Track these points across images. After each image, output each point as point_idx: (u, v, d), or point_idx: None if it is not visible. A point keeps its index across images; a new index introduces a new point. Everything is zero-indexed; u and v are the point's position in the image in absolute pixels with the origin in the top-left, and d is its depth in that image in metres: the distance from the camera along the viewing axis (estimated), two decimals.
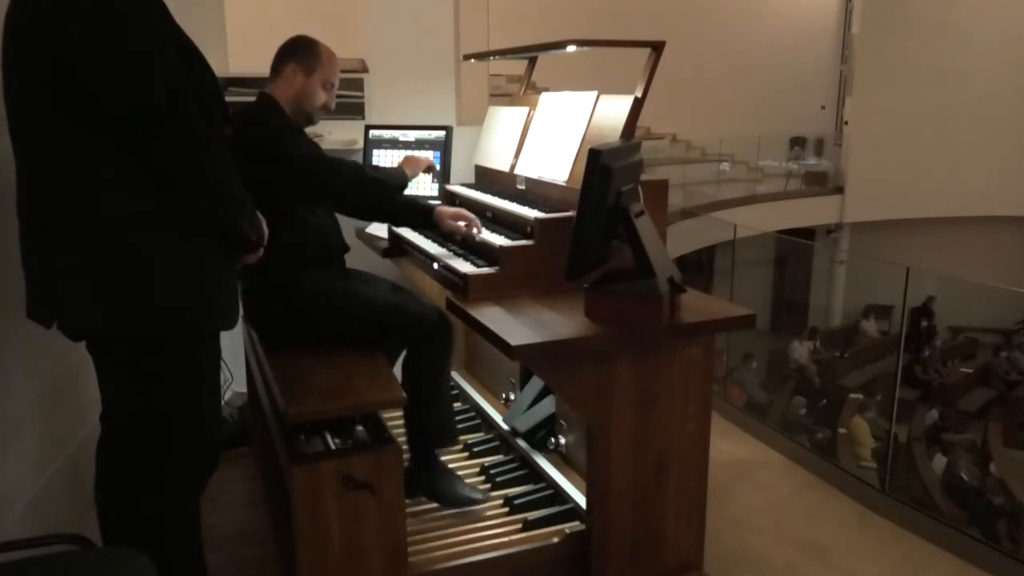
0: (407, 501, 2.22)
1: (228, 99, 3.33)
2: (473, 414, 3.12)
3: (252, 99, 2.33)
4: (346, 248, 2.46)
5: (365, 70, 3.45)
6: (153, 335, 1.56)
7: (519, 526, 2.31)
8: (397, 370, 2.34)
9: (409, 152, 2.81)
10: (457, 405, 3.15)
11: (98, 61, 1.40)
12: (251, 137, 2.16)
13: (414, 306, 2.34)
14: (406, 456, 2.19)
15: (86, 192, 1.48)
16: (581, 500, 2.31)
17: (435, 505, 2.41)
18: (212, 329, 1.68)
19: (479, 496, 2.43)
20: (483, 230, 2.46)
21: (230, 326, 1.70)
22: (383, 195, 2.41)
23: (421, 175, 2.69)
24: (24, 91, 1.47)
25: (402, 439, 2.07)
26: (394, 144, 3.26)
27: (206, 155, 1.51)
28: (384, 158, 3.23)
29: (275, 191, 2.19)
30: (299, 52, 2.28)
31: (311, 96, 2.30)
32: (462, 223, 2.43)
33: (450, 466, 2.53)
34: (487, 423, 3.02)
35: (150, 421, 1.63)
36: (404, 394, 2.01)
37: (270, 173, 2.18)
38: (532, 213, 2.43)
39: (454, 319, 2.29)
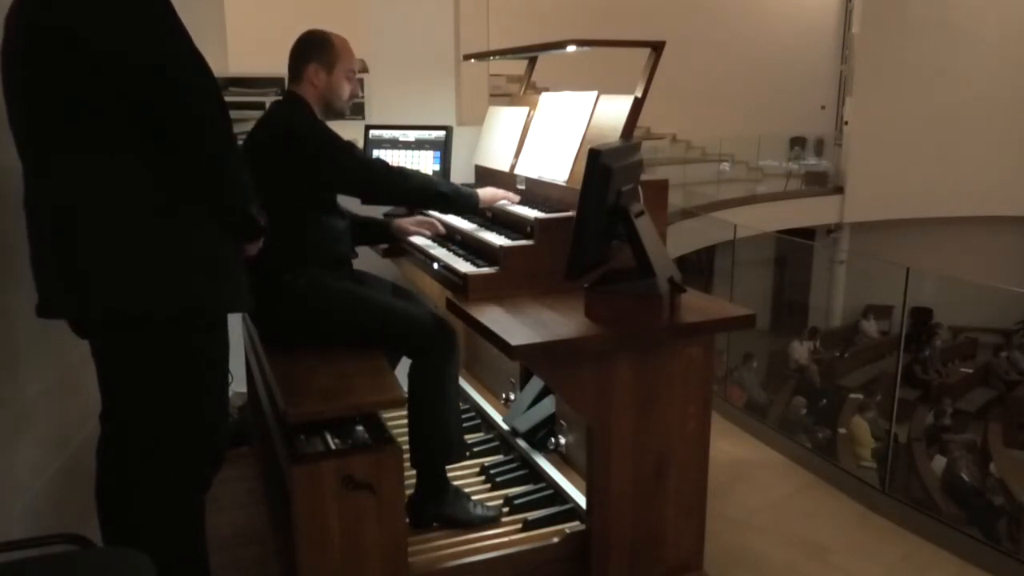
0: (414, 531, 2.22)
1: (228, 99, 3.35)
2: (473, 414, 3.12)
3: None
4: (354, 255, 2.46)
5: (365, 70, 3.46)
6: (158, 322, 1.56)
7: (519, 526, 2.31)
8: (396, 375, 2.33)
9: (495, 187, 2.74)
10: None
11: (108, 59, 1.41)
12: (294, 134, 2.19)
13: (418, 314, 2.32)
14: (409, 478, 2.17)
15: (94, 181, 1.49)
16: (581, 500, 2.31)
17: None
18: (218, 312, 1.68)
19: (493, 514, 2.34)
20: (517, 201, 2.63)
21: (239, 309, 1.71)
22: (442, 208, 2.67)
23: None
24: (36, 86, 1.47)
25: (402, 440, 2.06)
26: (394, 144, 3.26)
27: (219, 149, 1.54)
28: (384, 158, 3.23)
29: (316, 186, 2.24)
30: (315, 50, 2.27)
31: (337, 90, 2.30)
32: (502, 201, 2.60)
33: (451, 469, 2.52)
34: (487, 423, 3.02)
35: (150, 418, 1.63)
36: (404, 394, 2.01)
37: (323, 172, 2.22)
38: (532, 213, 2.44)
39: (454, 320, 2.29)
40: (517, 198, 2.66)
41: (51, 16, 1.42)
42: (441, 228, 2.64)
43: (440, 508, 2.31)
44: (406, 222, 2.63)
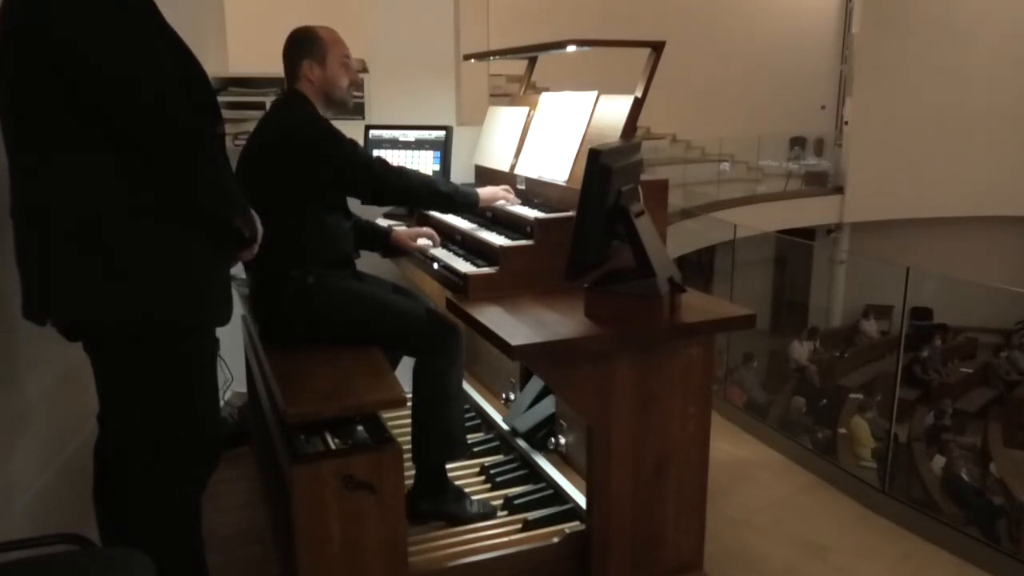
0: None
1: (228, 99, 3.34)
2: (473, 414, 3.12)
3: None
4: (357, 255, 2.47)
5: (365, 70, 3.45)
6: (138, 329, 1.56)
7: (519, 526, 2.31)
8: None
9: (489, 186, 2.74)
10: None
11: (85, 61, 1.41)
12: (295, 133, 2.19)
13: (423, 313, 2.32)
14: (409, 475, 2.17)
15: (77, 187, 1.48)
16: (581, 500, 2.31)
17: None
18: (196, 324, 1.66)
19: (489, 510, 2.37)
20: (516, 202, 2.66)
21: (220, 322, 1.69)
22: (442, 207, 2.73)
23: None
24: (18, 87, 1.47)
25: (402, 439, 2.06)
26: (394, 144, 3.26)
27: (196, 153, 1.52)
28: (384, 158, 3.23)
29: (317, 184, 2.24)
30: (304, 46, 2.27)
31: (335, 81, 2.30)
32: (500, 201, 2.62)
33: (451, 466, 2.52)
34: (487, 423, 3.02)
35: (143, 419, 1.63)
36: (405, 394, 2.01)
37: (322, 170, 2.22)
38: (532, 213, 2.44)
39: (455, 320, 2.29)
40: (518, 200, 2.67)
41: (29, 16, 1.42)
42: (439, 240, 2.64)
43: (439, 505, 2.32)
44: (405, 233, 2.63)
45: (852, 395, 7.58)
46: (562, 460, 2.62)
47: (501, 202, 2.61)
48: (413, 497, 2.29)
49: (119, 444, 1.69)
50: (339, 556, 1.87)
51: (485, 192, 2.58)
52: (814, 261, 10.76)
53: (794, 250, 10.21)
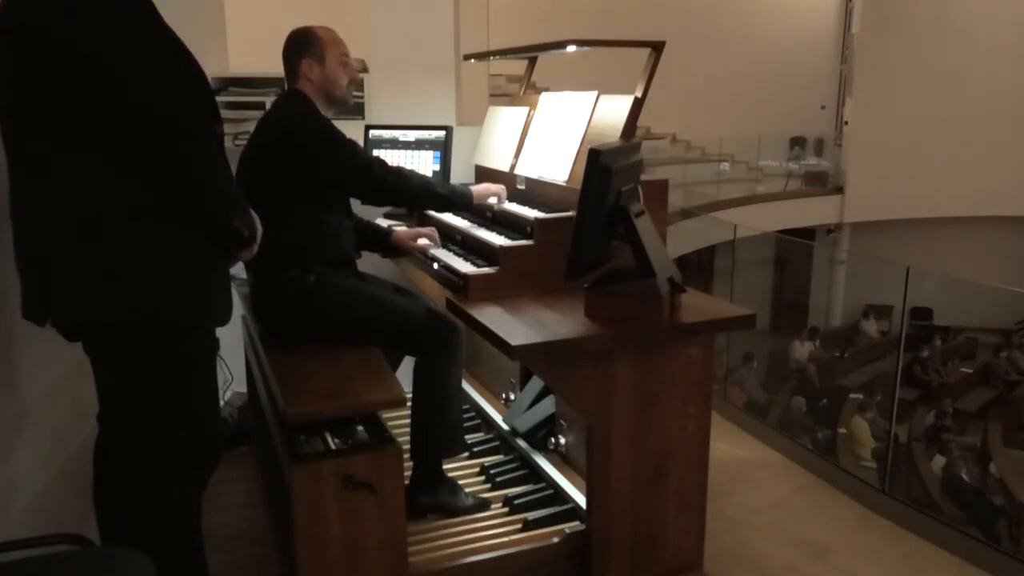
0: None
1: (228, 99, 3.34)
2: (473, 414, 3.12)
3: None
4: (358, 255, 2.47)
5: (365, 70, 3.45)
6: (138, 329, 1.56)
7: (519, 526, 2.31)
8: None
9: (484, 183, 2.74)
10: None
11: (85, 61, 1.41)
12: (294, 133, 2.20)
13: (423, 313, 2.32)
14: (407, 468, 2.18)
15: (77, 187, 1.48)
16: (581, 500, 2.31)
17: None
18: (196, 324, 1.66)
19: (484, 503, 2.41)
20: (505, 202, 2.67)
21: (220, 322, 1.69)
22: (439, 208, 2.74)
23: None
24: (17, 87, 1.47)
25: (402, 440, 2.06)
26: (394, 144, 3.26)
27: (195, 153, 1.52)
28: (384, 158, 3.23)
29: (318, 185, 2.24)
30: (303, 46, 2.28)
31: (334, 79, 2.30)
32: (492, 199, 2.62)
33: (451, 466, 2.53)
34: (487, 423, 3.02)
35: (142, 419, 1.63)
36: (405, 394, 2.01)
37: (322, 171, 2.22)
38: (532, 213, 2.44)
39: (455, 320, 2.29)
40: (504, 189, 2.66)
41: (29, 16, 1.42)
42: (439, 241, 2.65)
43: (435, 499, 2.35)
44: (405, 234, 2.64)
45: (852, 395, 7.58)
46: (562, 460, 2.62)
47: (492, 199, 2.62)
48: (410, 491, 2.30)
49: (119, 444, 1.69)
50: (339, 556, 1.87)
51: (478, 189, 2.60)
52: (814, 261, 10.77)
53: (794, 250, 10.21)
